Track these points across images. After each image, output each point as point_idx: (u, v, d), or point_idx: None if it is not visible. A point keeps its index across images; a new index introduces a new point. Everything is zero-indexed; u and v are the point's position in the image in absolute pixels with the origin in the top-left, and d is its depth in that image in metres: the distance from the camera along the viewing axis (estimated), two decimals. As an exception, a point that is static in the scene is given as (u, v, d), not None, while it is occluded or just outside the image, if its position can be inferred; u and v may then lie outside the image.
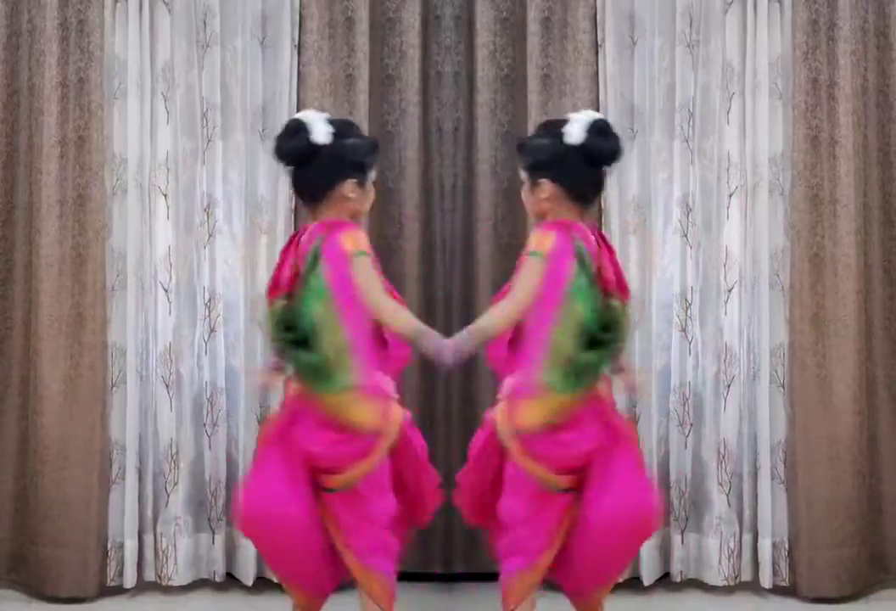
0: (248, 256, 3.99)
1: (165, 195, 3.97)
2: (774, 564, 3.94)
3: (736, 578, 3.95)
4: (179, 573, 3.94)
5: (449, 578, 4.04)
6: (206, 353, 3.99)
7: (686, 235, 3.99)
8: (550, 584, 3.98)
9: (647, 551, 3.94)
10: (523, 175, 3.06)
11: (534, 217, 3.10)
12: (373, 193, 3.12)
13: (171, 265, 3.96)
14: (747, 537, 3.98)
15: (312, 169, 3.00)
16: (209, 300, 3.98)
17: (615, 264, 3.01)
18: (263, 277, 3.76)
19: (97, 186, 3.91)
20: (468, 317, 4.08)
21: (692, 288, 3.98)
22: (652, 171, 4.00)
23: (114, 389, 3.95)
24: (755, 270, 3.97)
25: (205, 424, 3.98)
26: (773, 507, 3.95)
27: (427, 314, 4.10)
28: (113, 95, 3.95)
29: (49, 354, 3.87)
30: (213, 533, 3.98)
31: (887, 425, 4.02)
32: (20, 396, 3.97)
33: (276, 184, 3.99)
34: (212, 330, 3.99)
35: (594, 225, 3.72)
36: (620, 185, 3.99)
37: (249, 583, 3.97)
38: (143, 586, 3.97)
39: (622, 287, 3.00)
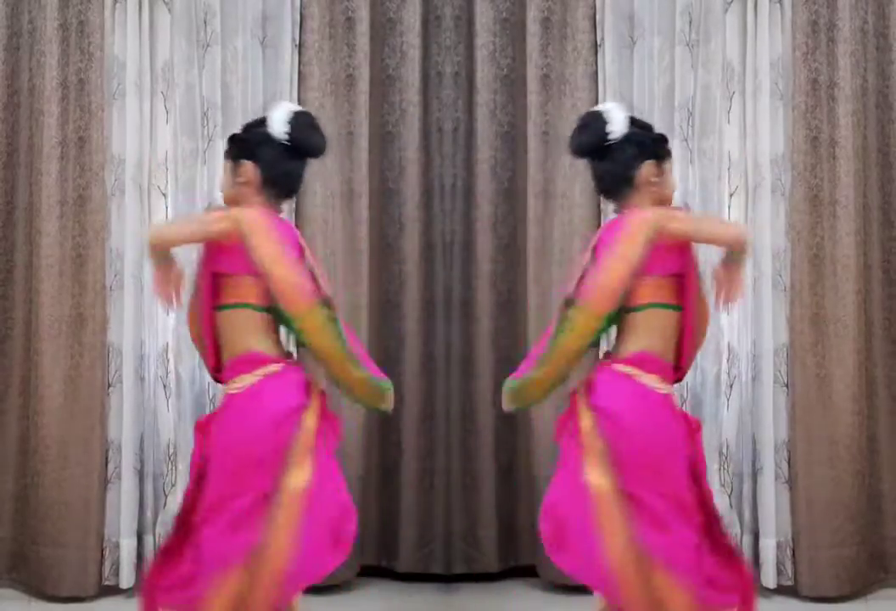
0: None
1: (165, 195, 3.98)
2: (779, 564, 3.94)
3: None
4: (179, 574, 3.94)
5: (449, 578, 4.05)
6: (206, 353, 3.98)
7: (686, 235, 3.99)
8: (553, 584, 4.01)
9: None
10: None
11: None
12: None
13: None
14: (747, 539, 3.97)
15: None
16: (209, 301, 3.98)
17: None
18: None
19: (97, 186, 3.91)
20: (468, 317, 4.10)
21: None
22: (652, 171, 3.99)
23: (110, 389, 3.93)
24: (756, 270, 3.97)
25: (205, 425, 3.98)
26: (776, 507, 3.95)
27: (427, 314, 4.11)
28: (112, 96, 3.95)
29: (49, 354, 3.87)
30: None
31: (887, 425, 4.03)
32: (21, 397, 3.97)
33: (277, 184, 3.99)
34: (212, 330, 3.98)
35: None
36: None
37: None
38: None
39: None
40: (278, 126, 2.97)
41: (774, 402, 3.96)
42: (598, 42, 4.02)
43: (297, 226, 3.88)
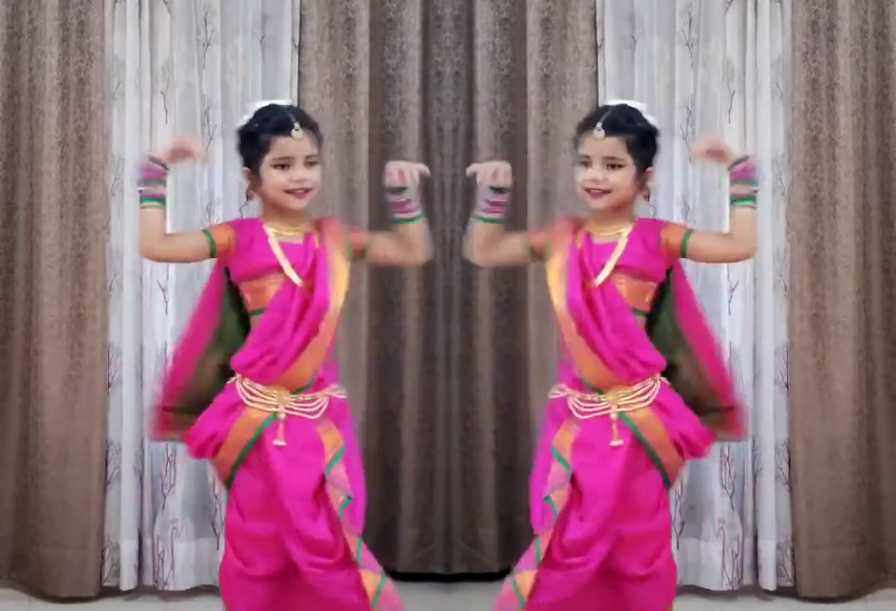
0: (248, 255, 3.98)
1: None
2: (779, 565, 3.94)
3: (739, 581, 3.93)
4: (178, 578, 3.90)
5: (449, 578, 4.04)
6: (205, 353, 3.98)
7: (686, 235, 3.98)
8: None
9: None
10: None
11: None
12: None
13: (170, 266, 3.95)
14: (748, 540, 3.97)
15: None
16: (209, 301, 3.98)
17: None
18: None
19: (97, 186, 3.91)
20: (468, 317, 4.10)
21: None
22: (652, 170, 3.99)
23: (110, 389, 3.94)
24: (757, 270, 3.97)
25: (205, 426, 3.98)
26: (775, 507, 3.95)
27: (427, 314, 4.11)
28: (112, 95, 3.95)
29: (50, 354, 3.87)
30: (218, 538, 3.92)
31: (887, 425, 4.03)
32: (21, 397, 3.97)
33: (276, 184, 3.98)
34: (212, 330, 3.98)
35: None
36: (620, 185, 3.99)
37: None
38: (142, 589, 3.95)
39: None
40: (239, 124, 3.04)
41: (774, 402, 3.96)
42: (599, 42, 4.01)
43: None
